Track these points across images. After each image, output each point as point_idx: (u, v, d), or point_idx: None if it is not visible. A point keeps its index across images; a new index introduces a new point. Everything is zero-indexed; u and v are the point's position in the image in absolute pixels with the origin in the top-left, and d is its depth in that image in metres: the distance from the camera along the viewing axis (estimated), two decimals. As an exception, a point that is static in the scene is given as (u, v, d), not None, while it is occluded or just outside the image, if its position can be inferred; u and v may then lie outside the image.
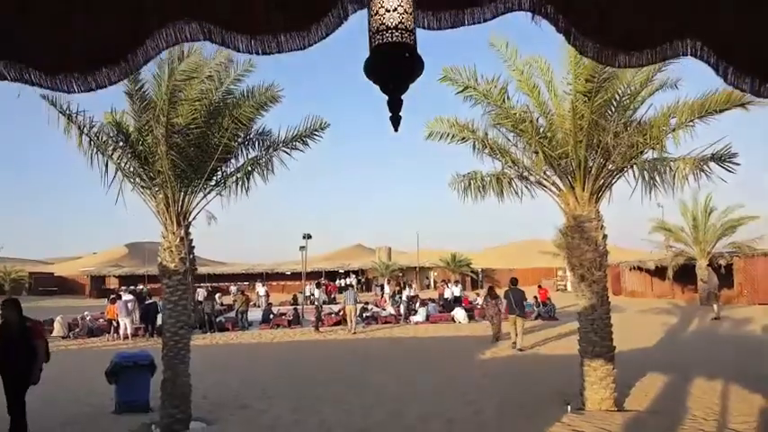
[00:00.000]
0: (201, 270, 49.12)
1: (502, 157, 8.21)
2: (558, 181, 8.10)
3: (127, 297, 19.40)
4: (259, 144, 8.23)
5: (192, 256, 7.64)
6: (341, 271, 47.86)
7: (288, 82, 7.95)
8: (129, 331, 17.68)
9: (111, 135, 7.48)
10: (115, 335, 17.88)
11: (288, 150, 8.10)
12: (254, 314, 22.37)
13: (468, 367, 11.18)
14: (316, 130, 8.05)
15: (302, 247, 25.68)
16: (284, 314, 21.97)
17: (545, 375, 9.87)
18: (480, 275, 46.16)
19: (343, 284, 41.03)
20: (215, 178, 8.03)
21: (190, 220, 7.72)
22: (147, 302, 18.80)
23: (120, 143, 7.52)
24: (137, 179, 7.60)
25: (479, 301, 24.07)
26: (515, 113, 7.80)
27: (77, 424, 7.36)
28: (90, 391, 9.08)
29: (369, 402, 8.13)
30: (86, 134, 7.21)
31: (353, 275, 45.61)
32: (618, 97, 7.53)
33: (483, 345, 14.13)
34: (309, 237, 24.98)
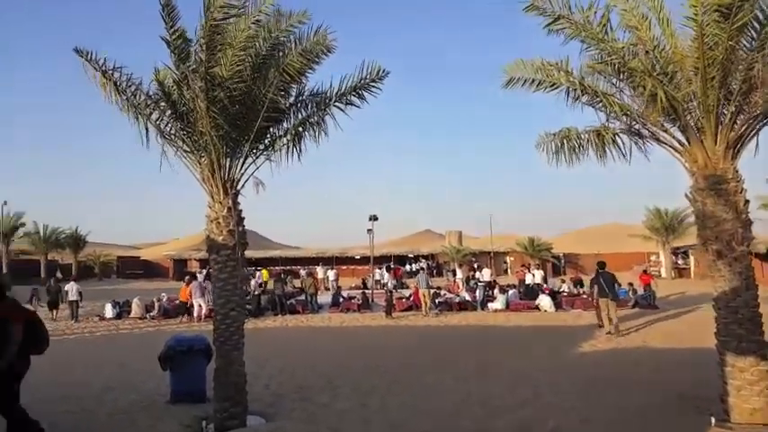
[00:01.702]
0: (274, 254, 50.22)
1: (605, 105, 6.62)
2: (678, 134, 6.47)
3: (201, 278, 19.50)
4: (310, 103, 7.22)
5: (240, 229, 6.74)
6: (410, 255, 46.89)
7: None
8: (203, 312, 17.62)
9: (150, 93, 6.69)
10: (189, 316, 17.88)
11: (341, 106, 6.95)
12: (325, 298, 22.18)
13: (564, 362, 9.64)
14: (373, 80, 6.83)
15: (369, 230, 25.01)
16: (354, 298, 21.38)
17: (662, 374, 8.18)
18: (562, 261, 43.43)
19: (410, 269, 40.34)
20: (263, 141, 7.09)
21: (238, 188, 6.82)
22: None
23: (162, 102, 6.72)
24: (178, 142, 6.77)
25: (565, 288, 22.20)
26: (622, 47, 6.22)
27: (127, 414, 6.75)
28: (149, 378, 8.56)
29: (448, 403, 6.93)
30: (122, 92, 6.45)
31: (423, 260, 44.55)
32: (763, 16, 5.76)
33: (578, 336, 12.49)
34: (376, 218, 24.21)
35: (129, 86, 6.50)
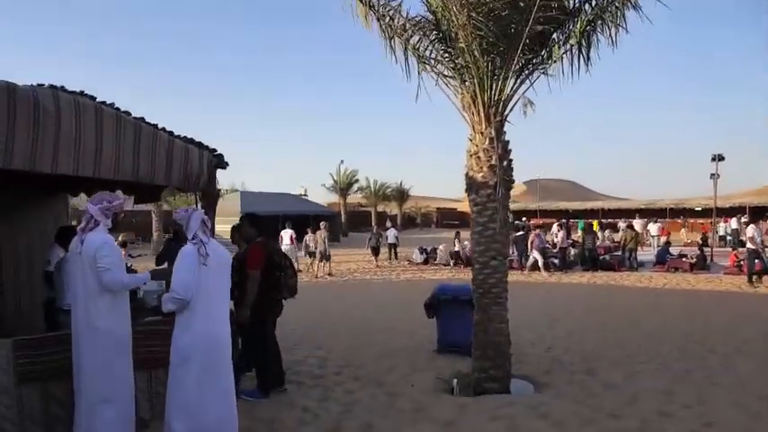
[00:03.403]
0: (595, 205, 46.18)
1: None
2: None
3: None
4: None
5: (505, 163, 5.57)
6: (779, 206, 36.45)
7: None
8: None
9: (410, 16, 6.02)
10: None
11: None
12: (647, 255, 19.16)
13: None
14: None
15: (713, 175, 20.02)
16: (686, 256, 17.59)
17: None
18: None
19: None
20: (539, 52, 5.63)
21: (503, 114, 5.63)
22: (517, 234, 17.95)
23: (424, 23, 5.98)
24: (438, 66, 5.91)
25: None
26: None
27: (392, 358, 6.59)
28: (426, 324, 8.31)
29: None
30: (380, 19, 5.92)
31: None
32: None
33: None
34: (721, 158, 19.14)
35: (388, 11, 5.97)
